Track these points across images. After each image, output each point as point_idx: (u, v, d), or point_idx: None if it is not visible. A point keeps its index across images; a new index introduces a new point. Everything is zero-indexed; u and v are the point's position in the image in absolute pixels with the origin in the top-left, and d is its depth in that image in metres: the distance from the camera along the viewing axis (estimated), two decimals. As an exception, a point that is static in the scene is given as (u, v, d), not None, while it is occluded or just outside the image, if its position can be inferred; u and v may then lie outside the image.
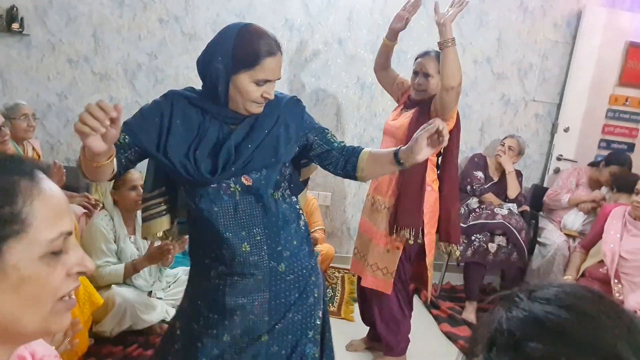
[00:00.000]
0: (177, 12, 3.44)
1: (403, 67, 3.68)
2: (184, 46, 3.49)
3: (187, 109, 1.50)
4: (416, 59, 2.50)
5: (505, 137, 3.66)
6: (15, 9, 3.21)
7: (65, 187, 2.98)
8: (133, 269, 2.59)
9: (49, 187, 0.69)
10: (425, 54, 2.50)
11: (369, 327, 2.76)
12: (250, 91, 1.41)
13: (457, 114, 2.41)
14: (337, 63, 3.66)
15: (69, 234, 0.69)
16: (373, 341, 2.77)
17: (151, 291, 2.78)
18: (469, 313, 3.29)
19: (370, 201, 2.53)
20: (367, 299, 2.59)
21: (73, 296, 0.72)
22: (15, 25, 3.20)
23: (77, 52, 3.39)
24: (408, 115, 2.43)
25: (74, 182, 3.27)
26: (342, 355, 2.60)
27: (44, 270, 0.66)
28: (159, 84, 3.51)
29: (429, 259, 2.46)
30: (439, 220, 2.45)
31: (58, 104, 3.43)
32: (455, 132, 2.41)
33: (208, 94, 1.48)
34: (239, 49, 1.39)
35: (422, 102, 2.41)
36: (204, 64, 1.46)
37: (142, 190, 2.64)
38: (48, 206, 0.67)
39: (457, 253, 2.50)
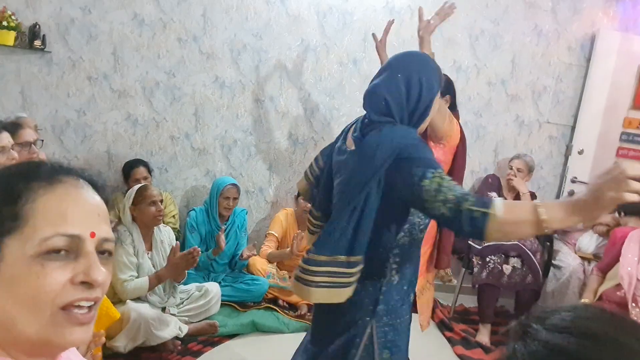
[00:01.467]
0: (196, 32, 3.50)
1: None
2: (201, 65, 3.54)
3: None
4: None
5: (512, 159, 3.65)
6: (37, 26, 3.27)
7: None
8: (157, 280, 2.62)
9: (66, 190, 0.69)
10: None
11: None
12: (442, 108, 1.61)
13: (462, 132, 2.41)
14: (352, 83, 3.69)
15: (76, 238, 0.67)
16: None
17: (165, 307, 2.78)
18: (483, 336, 3.25)
19: None
20: None
21: (92, 312, 0.69)
22: (37, 43, 3.26)
23: (96, 70, 3.44)
24: None
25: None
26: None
27: (36, 270, 0.64)
28: (176, 102, 3.56)
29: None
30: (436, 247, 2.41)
31: (76, 120, 3.47)
32: (460, 149, 2.40)
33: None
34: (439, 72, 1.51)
35: None
36: (416, 93, 1.44)
37: (161, 206, 2.68)
38: (51, 206, 0.67)
39: (449, 276, 2.51)
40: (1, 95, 3.37)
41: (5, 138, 2.13)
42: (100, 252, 0.71)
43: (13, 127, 2.48)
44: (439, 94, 1.50)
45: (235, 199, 3.31)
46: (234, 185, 3.32)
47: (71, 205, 0.69)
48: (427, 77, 1.44)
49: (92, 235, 0.69)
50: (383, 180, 1.40)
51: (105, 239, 0.72)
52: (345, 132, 1.63)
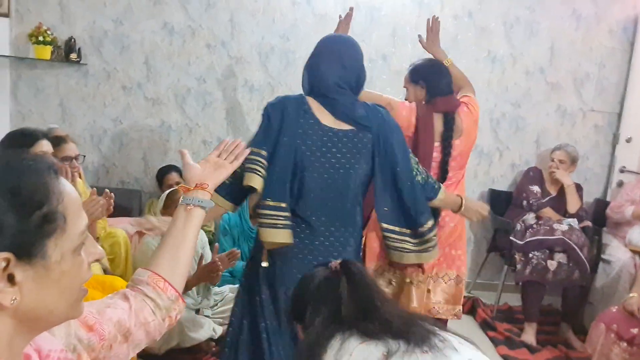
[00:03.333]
0: (224, 37, 3.53)
1: (450, 81, 3.62)
2: (230, 70, 3.56)
3: None
4: None
5: (553, 151, 3.48)
6: (73, 40, 3.38)
7: (117, 209, 3.08)
8: (185, 287, 2.62)
9: (66, 184, 0.71)
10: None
11: None
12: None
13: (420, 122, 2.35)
14: (382, 79, 3.63)
15: (88, 226, 0.73)
16: None
17: (199, 309, 2.79)
18: (529, 335, 3.11)
19: None
20: None
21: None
22: (73, 56, 3.37)
23: (130, 79, 3.53)
24: None
25: (127, 204, 3.38)
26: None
27: (78, 261, 0.70)
28: (208, 107, 3.59)
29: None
30: None
31: (113, 129, 3.56)
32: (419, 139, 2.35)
33: None
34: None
35: None
36: (354, 70, 1.76)
37: None
38: (73, 202, 0.70)
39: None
40: (42, 108, 3.50)
41: (45, 145, 2.21)
42: None
43: (57, 141, 2.56)
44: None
45: None
46: None
47: (76, 197, 0.72)
48: (357, 54, 1.79)
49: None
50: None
51: None
52: (289, 115, 1.73)
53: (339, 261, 1.24)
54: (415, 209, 1.77)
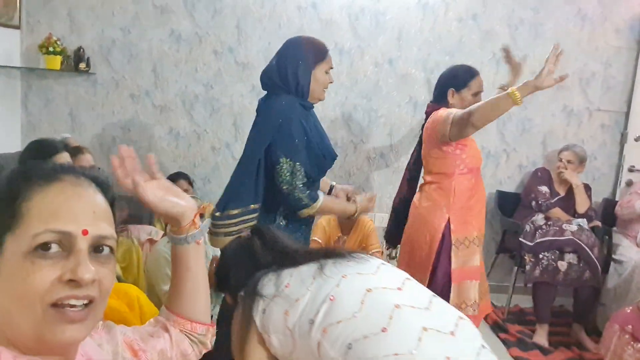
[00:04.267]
0: (231, 43, 3.55)
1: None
2: (238, 75, 3.58)
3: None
4: (475, 77, 2.52)
5: (561, 151, 3.48)
6: (82, 50, 3.42)
7: (129, 217, 3.11)
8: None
9: (62, 188, 0.70)
10: (478, 72, 2.56)
11: None
12: (325, 79, 1.98)
13: None
14: (389, 83, 3.65)
15: (66, 235, 0.67)
16: None
17: (212, 315, 2.80)
18: (540, 337, 3.10)
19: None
20: None
21: (88, 310, 0.69)
22: (82, 65, 3.40)
23: (138, 87, 3.56)
24: None
25: (137, 212, 3.39)
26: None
27: (27, 267, 0.65)
28: (215, 113, 3.62)
29: None
30: None
31: (122, 137, 3.59)
32: None
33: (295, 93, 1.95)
34: (312, 49, 1.97)
35: None
36: (287, 72, 1.93)
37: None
38: (46, 204, 0.67)
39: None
40: (52, 118, 3.54)
41: (66, 157, 2.24)
42: (97, 250, 0.71)
43: (74, 152, 2.59)
44: (313, 69, 1.94)
45: None
46: None
47: (65, 202, 0.69)
48: (292, 59, 1.94)
49: (85, 232, 0.68)
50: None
51: (102, 236, 0.71)
52: None
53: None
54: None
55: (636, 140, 3.70)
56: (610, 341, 2.46)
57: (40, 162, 0.74)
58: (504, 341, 3.09)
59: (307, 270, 1.25)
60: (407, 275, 1.30)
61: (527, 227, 3.27)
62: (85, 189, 0.73)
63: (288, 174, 1.86)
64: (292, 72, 1.92)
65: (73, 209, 0.69)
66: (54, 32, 3.36)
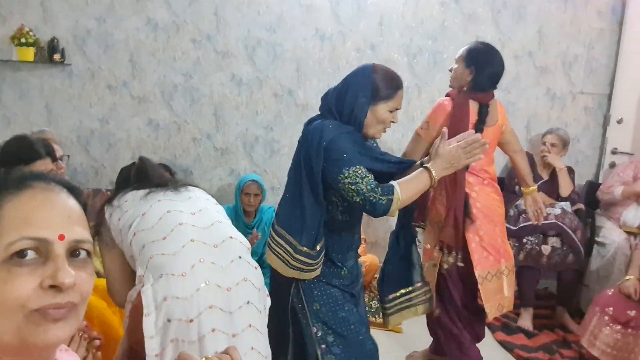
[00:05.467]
0: (209, 32, 3.48)
1: (439, 67, 3.60)
2: (217, 64, 3.52)
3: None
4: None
5: (545, 135, 3.48)
6: (55, 40, 3.33)
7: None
8: None
9: (33, 194, 0.68)
10: (465, 47, 2.46)
11: (432, 339, 2.66)
12: (386, 118, 1.78)
13: None
14: (371, 69, 3.60)
15: (44, 242, 0.66)
16: (436, 354, 2.68)
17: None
18: (525, 320, 3.12)
19: None
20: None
21: (71, 310, 0.68)
22: (56, 56, 3.32)
23: (115, 78, 3.48)
24: None
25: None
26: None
27: (3, 276, 0.64)
28: (196, 103, 3.56)
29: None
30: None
31: (100, 129, 3.52)
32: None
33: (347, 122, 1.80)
34: (380, 81, 1.77)
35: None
36: (344, 99, 1.78)
37: None
38: (17, 210, 0.66)
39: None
40: (28, 111, 3.45)
41: (48, 163, 2.17)
42: (74, 254, 0.70)
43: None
44: (373, 105, 1.77)
45: (256, 195, 3.27)
46: (254, 181, 3.28)
47: (38, 209, 0.68)
48: (354, 87, 1.77)
49: (61, 237, 0.67)
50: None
51: (78, 240, 0.70)
52: None
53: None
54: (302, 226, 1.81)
55: (619, 122, 3.70)
56: (590, 322, 2.48)
57: (8, 170, 0.71)
58: (488, 325, 3.10)
59: (141, 193, 1.68)
60: (208, 206, 1.72)
61: (511, 212, 3.27)
62: (58, 194, 0.71)
63: (353, 186, 1.68)
64: (350, 101, 1.75)
65: (47, 215, 0.68)
66: (26, 23, 3.27)
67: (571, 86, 3.74)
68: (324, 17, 3.53)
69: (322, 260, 1.83)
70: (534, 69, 3.69)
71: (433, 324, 2.52)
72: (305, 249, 1.78)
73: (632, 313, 2.35)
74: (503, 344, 2.91)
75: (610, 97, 3.73)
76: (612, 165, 3.74)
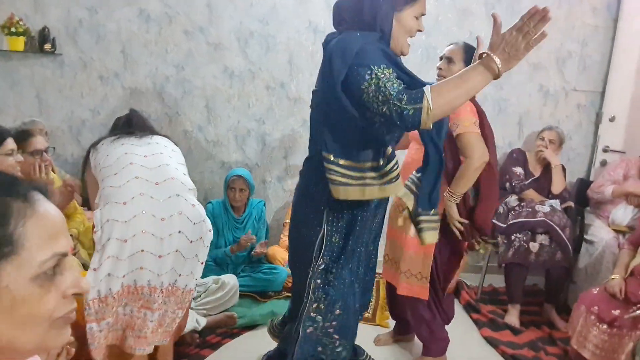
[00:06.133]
0: (202, 23, 3.46)
1: (433, 63, 3.57)
2: (210, 56, 3.51)
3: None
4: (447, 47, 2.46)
5: (543, 130, 3.48)
6: (47, 30, 3.31)
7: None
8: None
9: (45, 208, 0.68)
10: (456, 43, 2.45)
11: (395, 322, 2.81)
12: (412, 26, 1.57)
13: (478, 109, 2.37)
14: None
15: (64, 255, 0.68)
16: (400, 335, 2.80)
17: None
18: (512, 316, 3.13)
19: (397, 207, 2.44)
20: (395, 297, 2.55)
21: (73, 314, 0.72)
22: (47, 46, 3.30)
23: (107, 69, 3.47)
24: None
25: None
26: (375, 352, 2.55)
27: (37, 292, 0.65)
28: (187, 95, 3.55)
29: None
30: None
31: (92, 120, 3.51)
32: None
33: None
34: None
35: None
36: (362, 6, 1.55)
37: None
38: (41, 227, 0.66)
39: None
40: (18, 100, 3.45)
41: (11, 143, 2.15)
42: None
43: (23, 136, 2.50)
44: (398, 12, 1.57)
45: (242, 190, 3.26)
46: (240, 176, 3.26)
47: (55, 224, 0.69)
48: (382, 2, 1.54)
49: (71, 250, 0.72)
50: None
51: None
52: None
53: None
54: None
55: (611, 120, 3.70)
56: (577, 322, 2.49)
57: (10, 179, 0.69)
58: (475, 321, 3.13)
59: (112, 138, 2.01)
60: (163, 151, 2.00)
61: (501, 209, 3.27)
62: (51, 205, 0.71)
63: (378, 93, 1.43)
64: (370, 8, 1.51)
65: (61, 229, 0.69)
66: (17, 12, 3.25)
67: (564, 83, 3.73)
68: (317, 9, 3.51)
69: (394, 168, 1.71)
70: (527, 65, 3.68)
71: (402, 306, 2.56)
72: (368, 164, 1.65)
73: (617, 312, 2.36)
74: (489, 340, 2.92)
75: (603, 94, 3.72)
76: (604, 163, 3.74)
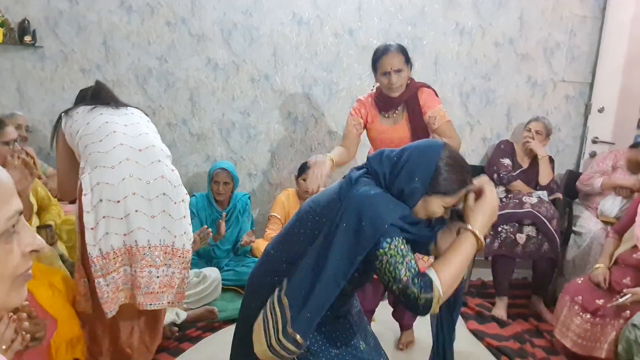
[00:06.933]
0: (184, 15, 3.42)
1: (419, 54, 3.55)
2: (192, 48, 3.46)
3: None
4: (379, 59, 2.42)
5: (530, 121, 3.44)
6: (26, 21, 3.26)
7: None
8: None
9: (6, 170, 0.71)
10: (386, 50, 2.41)
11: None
12: (436, 212, 1.43)
13: None
14: (349, 54, 3.55)
15: (21, 213, 0.70)
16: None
17: (163, 295, 2.75)
18: (499, 309, 3.10)
19: None
20: None
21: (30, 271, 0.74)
22: (27, 38, 3.25)
23: (89, 61, 3.42)
24: (402, 122, 2.49)
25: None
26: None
27: (3, 248, 0.67)
28: (171, 88, 3.50)
29: None
30: None
31: (74, 113, 3.46)
32: None
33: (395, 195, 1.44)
34: (440, 174, 1.39)
35: (404, 101, 2.44)
36: (397, 174, 1.43)
37: None
38: (4, 186, 0.69)
39: None
40: (-1, 94, 3.40)
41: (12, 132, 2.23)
42: None
43: None
44: (427, 195, 1.41)
45: (226, 183, 3.21)
46: (224, 169, 3.22)
47: (9, 185, 0.71)
48: (411, 166, 1.41)
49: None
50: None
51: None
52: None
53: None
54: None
55: (600, 111, 3.66)
56: (561, 312, 2.45)
57: None
58: (462, 315, 3.08)
59: (88, 107, 2.13)
60: (140, 122, 2.15)
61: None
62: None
63: (391, 266, 1.33)
64: (402, 181, 1.41)
65: (13, 189, 0.71)
66: (-4, 3, 3.21)
67: (552, 74, 3.69)
68: (301, 1, 3.46)
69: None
70: (514, 56, 3.64)
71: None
72: (297, 336, 1.37)
73: (601, 302, 2.32)
74: (475, 333, 2.88)
75: (592, 85, 3.68)
76: (593, 154, 3.70)
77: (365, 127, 2.58)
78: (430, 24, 3.54)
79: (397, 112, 2.49)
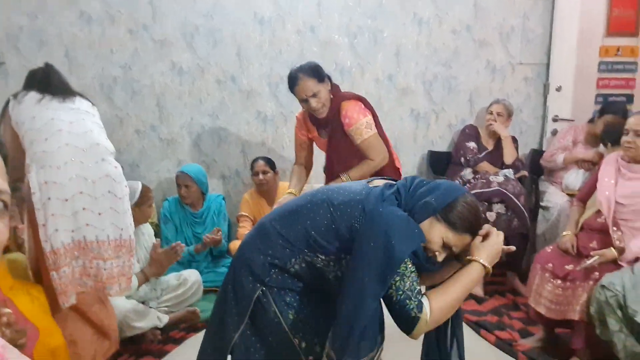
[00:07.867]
0: (146, 21, 3.43)
1: (380, 47, 3.63)
2: (156, 53, 3.48)
3: None
4: (292, 89, 2.45)
5: (491, 104, 3.55)
6: (-14, 38, 3.24)
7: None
8: (144, 277, 2.60)
9: None
10: (295, 79, 2.41)
11: None
12: (436, 243, 1.46)
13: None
14: (313, 51, 3.61)
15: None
16: None
17: (144, 301, 2.74)
18: (476, 287, 3.16)
19: None
20: None
21: None
22: (-13, 55, 3.23)
23: (52, 74, 3.40)
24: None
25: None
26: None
27: None
28: (137, 95, 3.50)
29: None
30: None
31: (40, 128, 3.44)
32: None
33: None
34: (454, 209, 1.46)
35: (329, 120, 2.47)
36: (419, 197, 1.49)
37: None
38: None
39: None
40: (-39, 113, 3.35)
41: None
42: None
43: None
44: (435, 219, 1.46)
45: (187, 186, 3.24)
46: (183, 172, 3.26)
47: None
48: (436, 192, 1.49)
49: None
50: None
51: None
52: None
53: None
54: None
55: (558, 90, 3.79)
56: (534, 281, 2.53)
57: None
58: (441, 295, 3.15)
59: (37, 97, 2.11)
60: (85, 117, 2.13)
61: (457, 182, 3.31)
62: None
63: (398, 276, 1.39)
64: (418, 199, 1.48)
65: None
66: (-48, 21, 3.17)
67: (510, 58, 3.81)
68: (261, 0, 3.51)
69: None
70: (472, 42, 3.75)
71: None
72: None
73: (570, 267, 2.41)
74: (454, 311, 2.95)
75: (549, 66, 3.81)
76: (554, 132, 3.82)
77: (310, 139, 2.67)
78: (389, 16, 3.62)
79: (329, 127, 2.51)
